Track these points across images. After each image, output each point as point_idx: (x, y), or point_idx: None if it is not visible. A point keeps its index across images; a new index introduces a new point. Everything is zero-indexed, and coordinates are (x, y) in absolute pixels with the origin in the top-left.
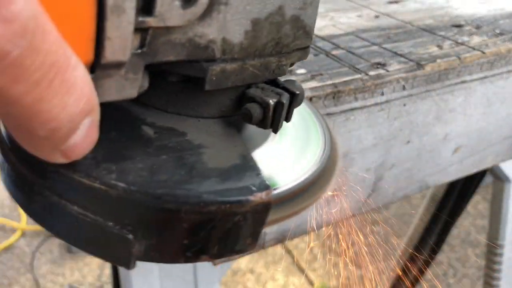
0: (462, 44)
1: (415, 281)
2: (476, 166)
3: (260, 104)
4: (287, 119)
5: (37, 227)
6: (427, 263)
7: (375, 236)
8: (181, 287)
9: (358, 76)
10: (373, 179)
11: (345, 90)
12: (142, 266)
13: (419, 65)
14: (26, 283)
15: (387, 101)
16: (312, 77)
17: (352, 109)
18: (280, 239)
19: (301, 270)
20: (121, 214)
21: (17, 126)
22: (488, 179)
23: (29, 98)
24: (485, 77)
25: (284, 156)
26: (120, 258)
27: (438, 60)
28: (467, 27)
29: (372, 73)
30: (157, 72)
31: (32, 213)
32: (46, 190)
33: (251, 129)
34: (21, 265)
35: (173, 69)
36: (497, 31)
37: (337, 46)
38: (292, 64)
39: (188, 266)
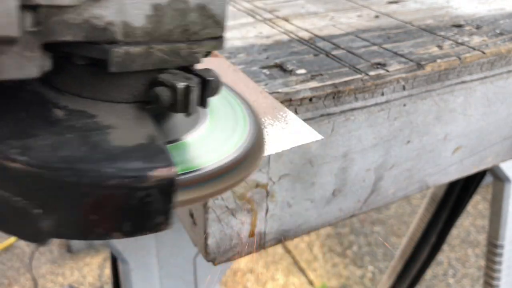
0: (462, 44)
1: (415, 281)
2: (476, 166)
3: (170, 88)
4: (203, 105)
5: None
6: (427, 263)
7: (375, 235)
8: (181, 287)
9: (358, 76)
10: (373, 179)
11: (345, 90)
12: (142, 266)
13: (419, 65)
14: (26, 283)
15: (387, 101)
16: (312, 77)
17: (352, 109)
18: (280, 239)
19: (301, 270)
20: (27, 189)
21: None
22: (488, 179)
23: None
24: (485, 77)
25: (210, 141)
26: (31, 234)
27: (438, 60)
28: (467, 27)
29: (372, 73)
30: (63, 55)
31: None
32: None
33: (180, 116)
34: (21, 265)
35: (76, 51)
36: (497, 31)
37: (337, 46)
38: (208, 53)
39: (188, 266)
